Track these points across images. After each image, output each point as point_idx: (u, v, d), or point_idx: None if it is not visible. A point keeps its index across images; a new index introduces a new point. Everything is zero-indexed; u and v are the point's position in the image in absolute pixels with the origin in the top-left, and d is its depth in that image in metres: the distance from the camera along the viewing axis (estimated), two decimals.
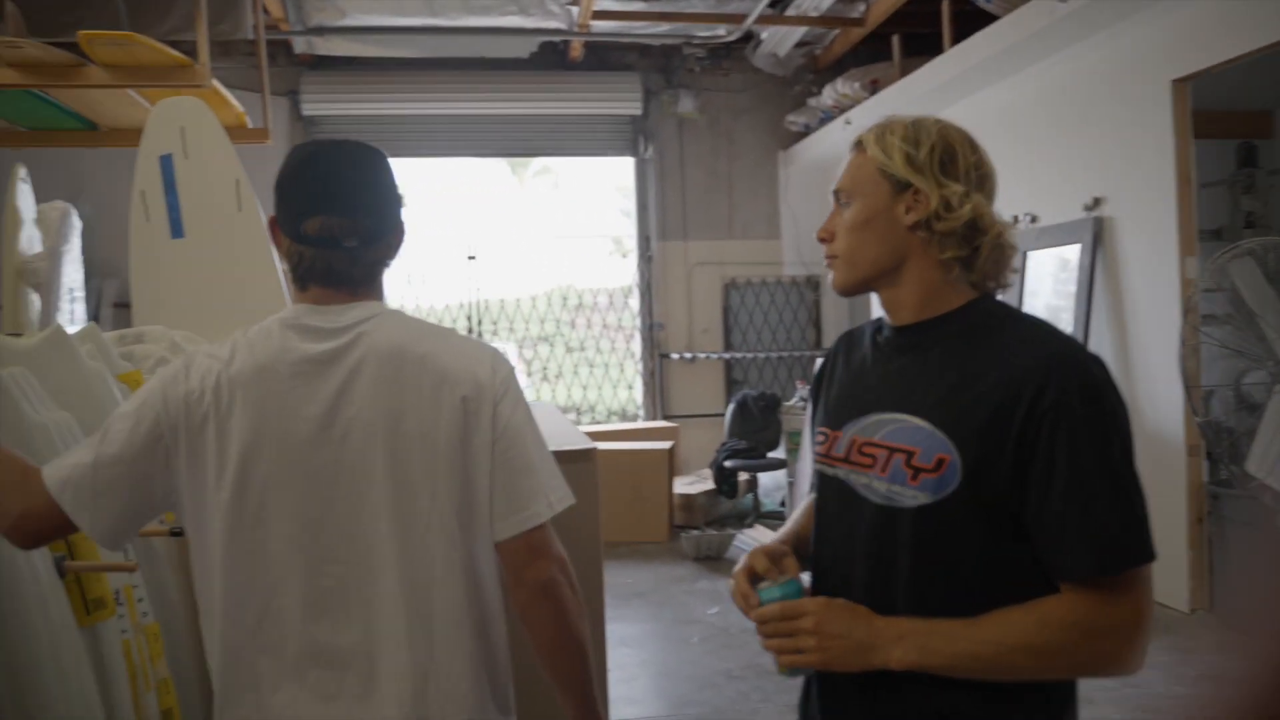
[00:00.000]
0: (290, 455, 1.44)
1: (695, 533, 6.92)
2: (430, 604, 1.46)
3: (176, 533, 1.85)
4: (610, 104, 8.79)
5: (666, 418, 8.75)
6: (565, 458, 1.79)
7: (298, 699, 1.42)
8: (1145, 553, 1.27)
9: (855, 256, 1.43)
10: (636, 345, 9.19)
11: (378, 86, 8.40)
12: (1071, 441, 1.26)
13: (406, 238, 1.59)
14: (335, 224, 1.49)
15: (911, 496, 1.33)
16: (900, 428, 1.37)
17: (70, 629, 1.50)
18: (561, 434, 1.94)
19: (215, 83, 5.22)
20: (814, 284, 9.14)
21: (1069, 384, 1.28)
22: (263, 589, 1.43)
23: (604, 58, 8.74)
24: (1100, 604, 1.27)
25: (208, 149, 3.12)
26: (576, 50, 8.36)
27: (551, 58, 8.56)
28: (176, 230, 3.10)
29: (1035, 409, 1.27)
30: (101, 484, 1.41)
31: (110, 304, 7.92)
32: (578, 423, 9.80)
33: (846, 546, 1.43)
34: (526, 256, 9.06)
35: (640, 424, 8.62)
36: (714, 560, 6.18)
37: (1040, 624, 1.27)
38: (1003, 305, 1.44)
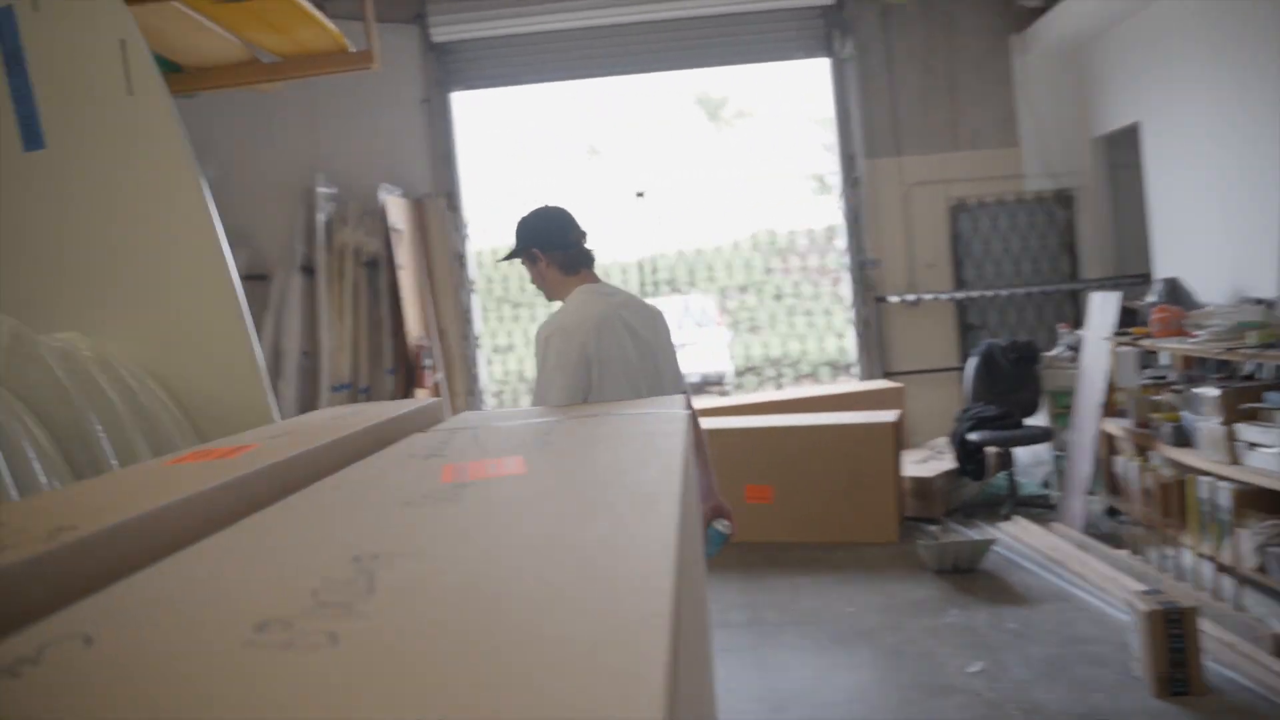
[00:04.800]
0: (625, 350, 2.71)
1: (934, 528, 5.32)
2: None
3: None
4: None
5: (887, 375, 7.12)
6: None
7: None
8: None
9: None
10: (846, 289, 7.58)
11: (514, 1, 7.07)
12: None
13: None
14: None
15: None
16: None
17: None
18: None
19: None
20: (1065, 199, 7.24)
21: None
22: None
23: None
24: None
25: None
26: None
27: None
28: (31, 137, 1.81)
29: None
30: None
31: (240, 276, 7.01)
32: (779, 377, 8.33)
33: None
34: (723, 202, 7.62)
35: (855, 385, 7.03)
36: (965, 575, 4.56)
37: None
38: None
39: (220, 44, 4.69)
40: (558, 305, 2.87)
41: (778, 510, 5.30)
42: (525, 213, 2.93)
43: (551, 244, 2.83)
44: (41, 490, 1.40)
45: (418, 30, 7.16)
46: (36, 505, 0.99)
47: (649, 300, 2.90)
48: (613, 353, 2.67)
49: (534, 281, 2.92)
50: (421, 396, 6.89)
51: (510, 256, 2.95)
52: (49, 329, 1.79)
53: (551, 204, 2.94)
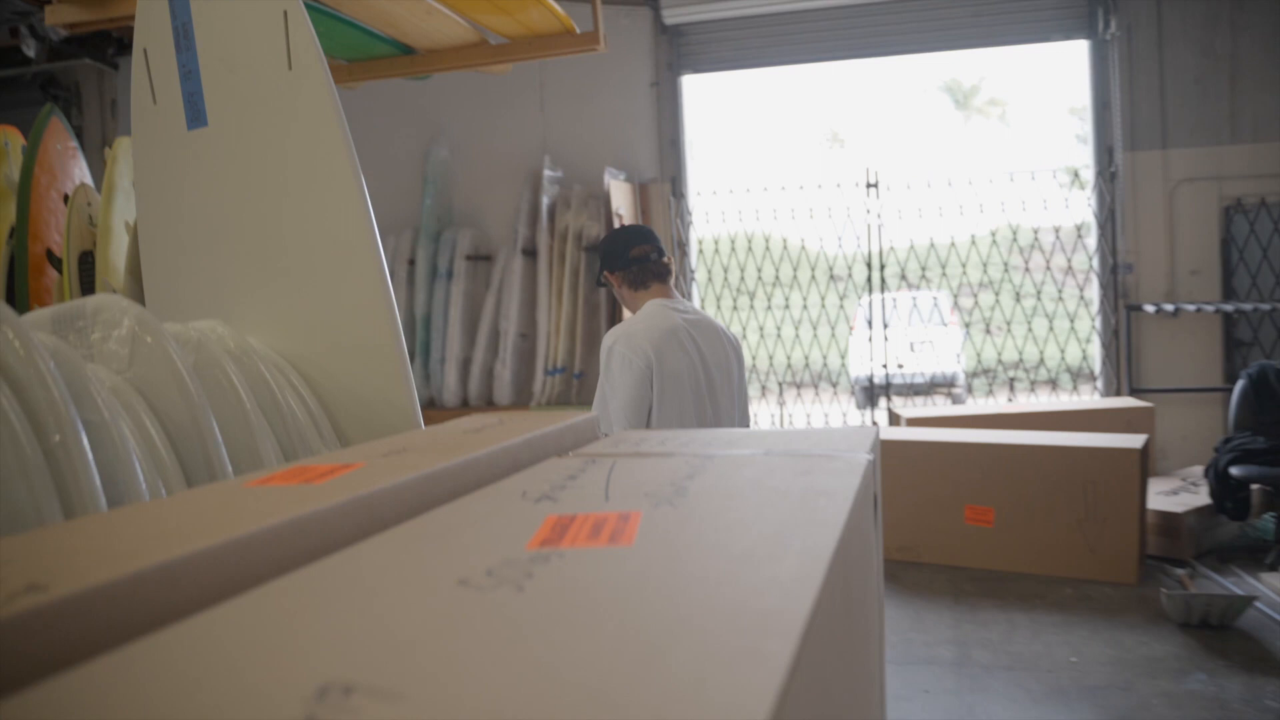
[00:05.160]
0: (692, 365, 2.77)
1: (1181, 573, 4.73)
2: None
3: None
4: None
5: (1135, 392, 6.45)
6: None
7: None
8: None
9: None
10: (1094, 292, 6.93)
11: None
12: None
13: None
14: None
15: None
16: None
17: None
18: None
19: None
20: None
21: None
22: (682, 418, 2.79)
23: None
24: None
25: None
26: None
27: None
28: (195, 114, 1.73)
29: None
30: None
31: (464, 256, 7.11)
32: (1013, 382, 7.73)
33: None
34: (963, 193, 7.12)
35: (1097, 401, 6.40)
36: (1216, 633, 3.99)
37: None
38: None
39: (450, 26, 4.70)
40: None
41: (999, 535, 4.86)
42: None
43: (614, 263, 2.98)
44: (141, 498, 1.29)
45: (650, 12, 7.04)
46: (35, 544, 0.85)
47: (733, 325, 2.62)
48: (676, 366, 2.74)
49: (620, 302, 3.06)
50: None
51: (597, 283, 3.14)
52: (195, 315, 1.71)
53: (626, 225, 3.11)
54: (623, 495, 1.07)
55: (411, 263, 7.26)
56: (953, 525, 4.95)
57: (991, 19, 6.77)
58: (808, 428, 2.30)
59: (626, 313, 3.13)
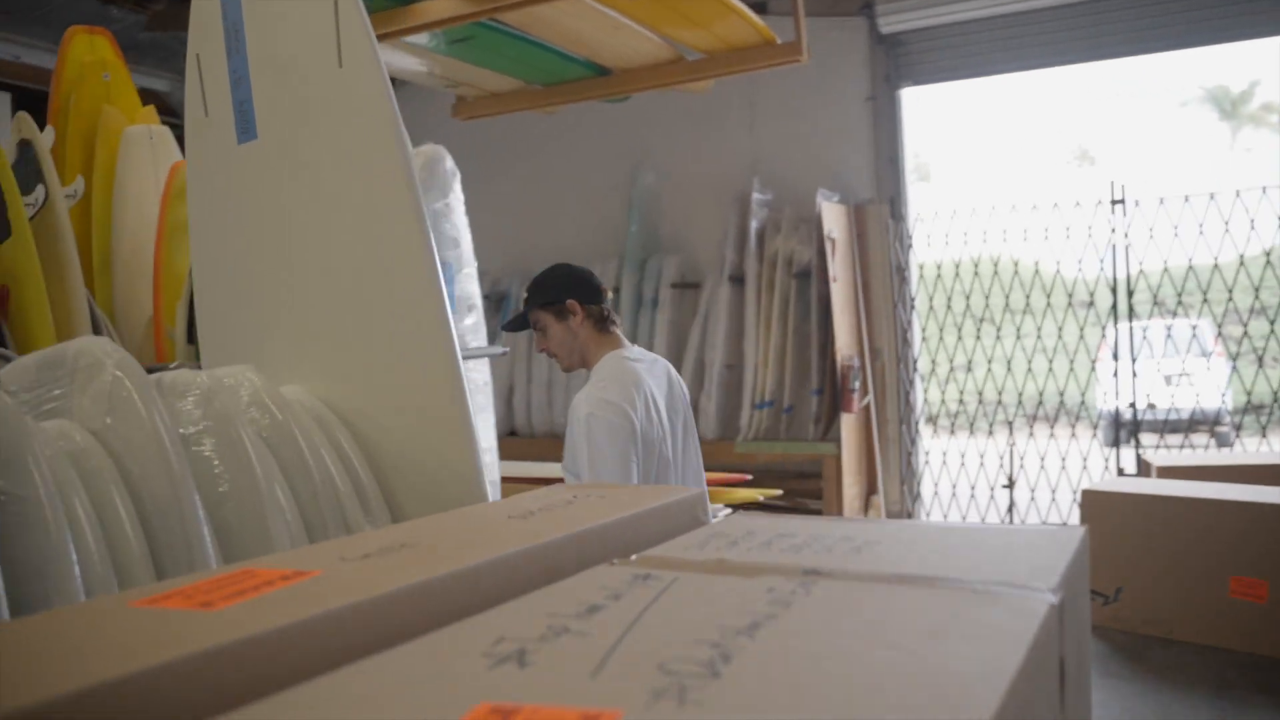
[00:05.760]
0: (662, 421, 2.57)
1: None
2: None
3: None
4: None
5: None
6: None
7: None
8: None
9: None
10: None
11: None
12: None
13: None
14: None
15: None
16: None
17: None
18: None
19: None
20: None
21: None
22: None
23: None
24: None
25: None
26: None
27: None
28: (245, 126, 1.48)
29: None
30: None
31: (669, 284, 6.84)
32: None
33: None
34: (1228, 210, 6.27)
35: None
36: None
37: None
38: None
39: (641, 42, 4.45)
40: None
41: (1273, 614, 4.06)
42: (546, 270, 2.73)
43: (587, 294, 2.63)
44: (73, 594, 1.01)
45: (865, 22, 6.57)
46: None
47: None
48: (649, 433, 2.51)
49: (550, 345, 2.65)
50: (846, 421, 6.31)
51: (530, 310, 2.66)
52: (245, 357, 1.46)
53: (567, 263, 2.77)
54: (627, 663, 0.69)
55: (616, 291, 7.07)
56: (1214, 598, 4.19)
57: (1249, 8, 5.88)
58: (983, 525, 1.81)
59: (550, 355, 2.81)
